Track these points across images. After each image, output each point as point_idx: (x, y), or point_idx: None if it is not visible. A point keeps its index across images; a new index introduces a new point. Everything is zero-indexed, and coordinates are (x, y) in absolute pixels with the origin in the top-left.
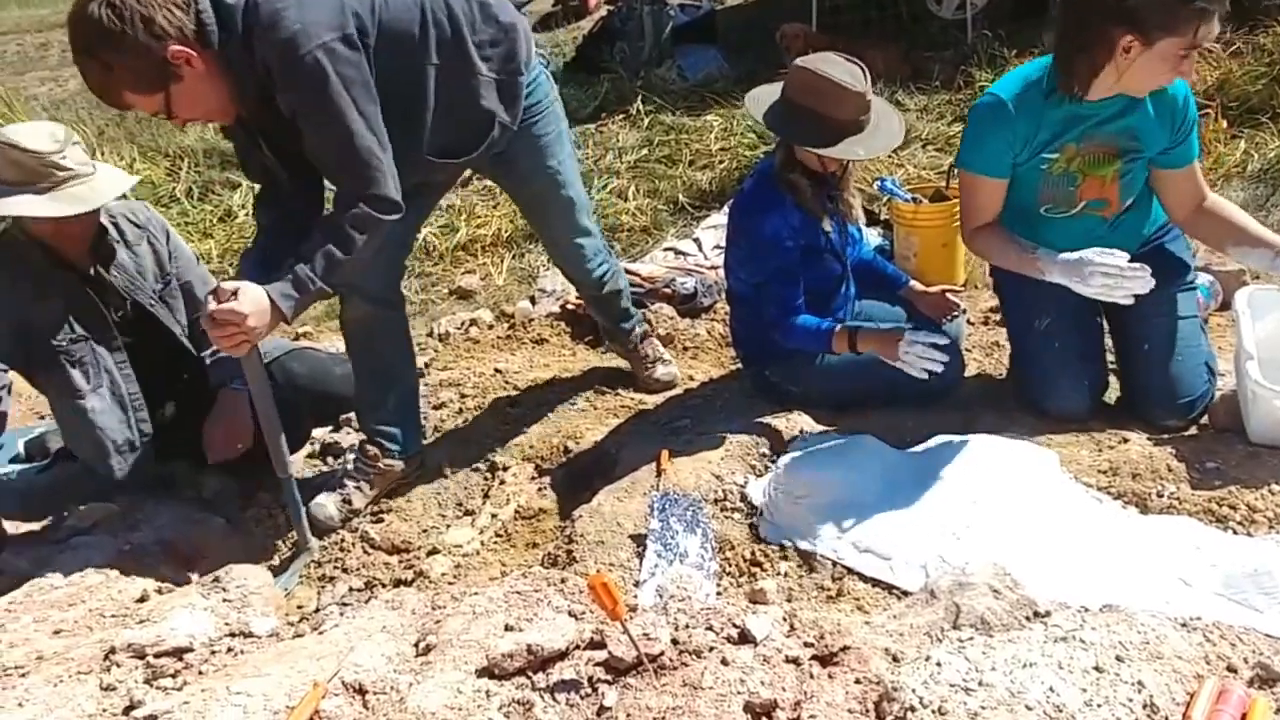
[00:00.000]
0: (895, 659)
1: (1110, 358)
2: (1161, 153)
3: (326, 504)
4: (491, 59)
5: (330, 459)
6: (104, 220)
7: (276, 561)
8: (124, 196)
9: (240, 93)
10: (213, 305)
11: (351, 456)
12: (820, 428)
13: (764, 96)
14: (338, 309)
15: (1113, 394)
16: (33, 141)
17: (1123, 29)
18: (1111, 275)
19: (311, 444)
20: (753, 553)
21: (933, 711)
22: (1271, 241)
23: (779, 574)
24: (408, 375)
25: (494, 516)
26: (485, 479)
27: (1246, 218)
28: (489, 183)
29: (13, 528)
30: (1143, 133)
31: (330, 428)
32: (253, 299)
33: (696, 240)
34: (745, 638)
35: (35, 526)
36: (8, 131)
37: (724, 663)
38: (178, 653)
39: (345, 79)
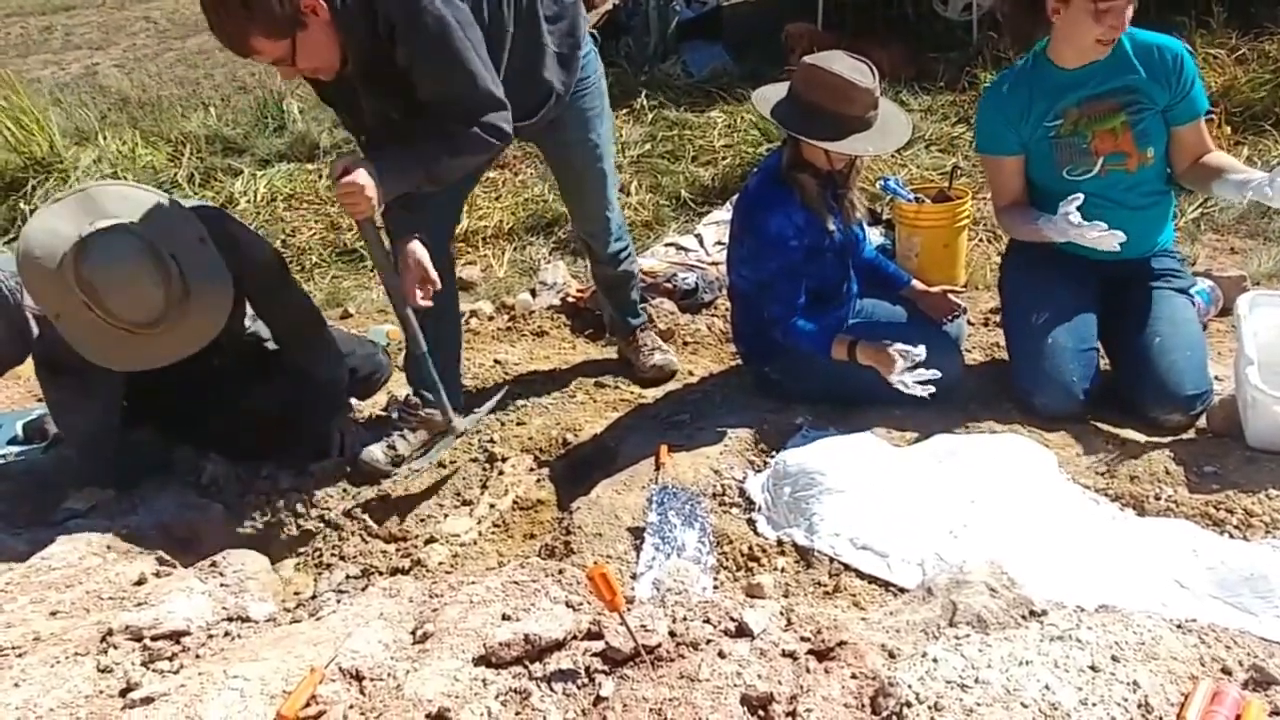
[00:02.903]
0: (891, 655)
1: (1104, 364)
2: (1166, 109)
3: (375, 450)
4: (555, 32)
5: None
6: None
7: (274, 549)
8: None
9: (355, 47)
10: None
11: (393, 411)
12: (819, 425)
13: (770, 95)
14: (336, 297)
15: (1112, 399)
16: (136, 315)
17: None
18: (1076, 224)
19: None
20: (750, 547)
21: (928, 707)
22: (1243, 171)
23: (776, 569)
24: (452, 333)
25: (492, 507)
26: (484, 469)
27: (1233, 162)
28: (490, 174)
29: (10, 509)
30: (1141, 86)
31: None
32: (364, 171)
33: (698, 236)
34: (742, 631)
35: (33, 508)
36: (107, 299)
37: (721, 655)
38: (175, 636)
39: (463, 25)
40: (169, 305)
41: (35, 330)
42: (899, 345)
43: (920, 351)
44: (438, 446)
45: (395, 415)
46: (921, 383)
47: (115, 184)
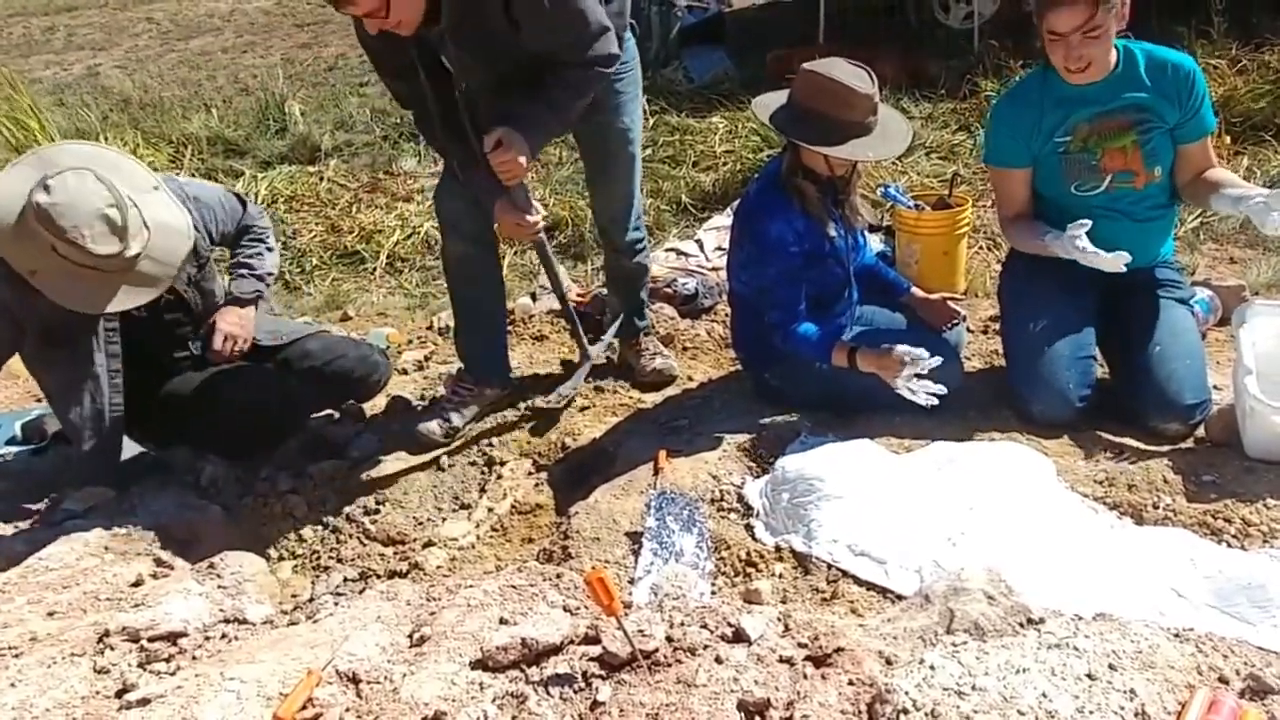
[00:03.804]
0: (889, 662)
1: (1103, 372)
2: (1175, 127)
3: (431, 424)
4: (608, 12)
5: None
6: None
7: (272, 551)
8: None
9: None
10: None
11: (446, 387)
12: (818, 431)
13: (770, 101)
14: (336, 299)
15: (1111, 408)
16: (100, 244)
17: (1036, 17)
18: (1082, 249)
19: (307, 432)
20: (748, 553)
21: (925, 714)
22: (1240, 186)
23: (774, 575)
24: (498, 307)
25: (490, 511)
26: (482, 473)
27: (1232, 178)
28: None
29: (8, 509)
30: (1151, 104)
31: (334, 414)
32: (516, 142)
33: (698, 241)
34: (739, 637)
35: (31, 508)
36: (64, 222)
37: (718, 661)
38: (172, 637)
39: None
40: (130, 233)
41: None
42: (901, 347)
43: (923, 353)
44: (579, 375)
45: (448, 390)
46: (928, 393)
47: (65, 143)
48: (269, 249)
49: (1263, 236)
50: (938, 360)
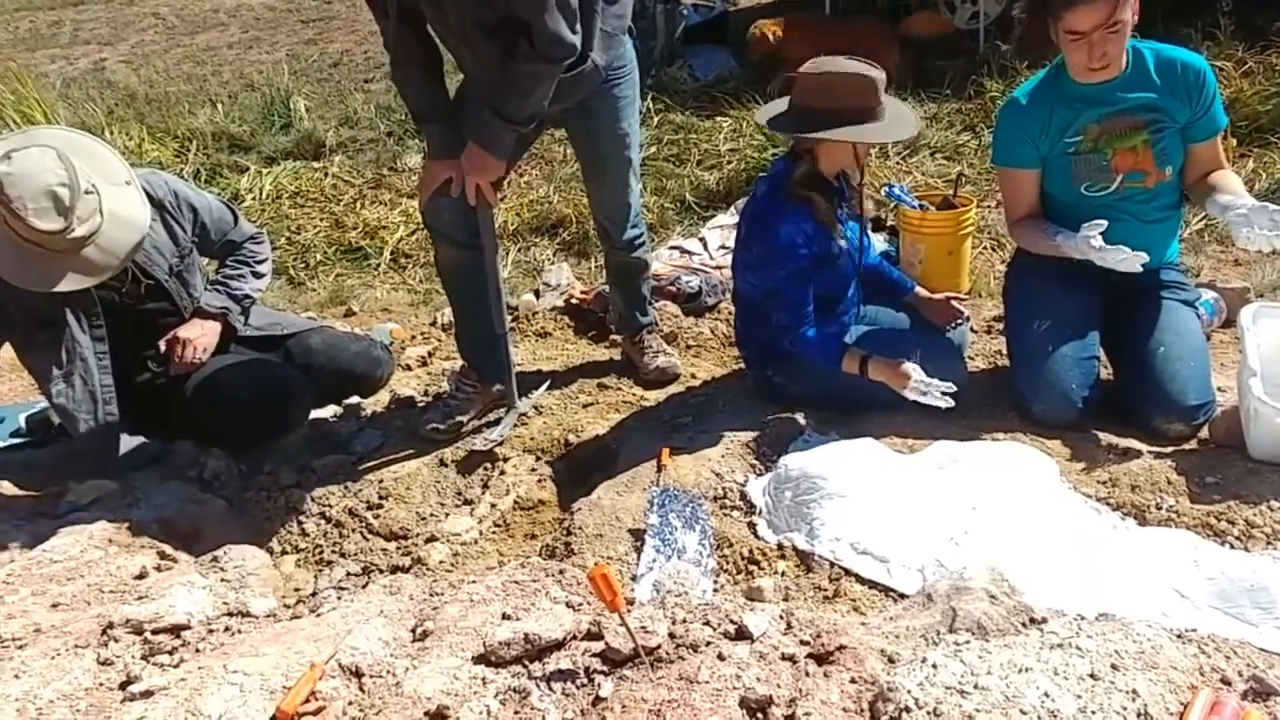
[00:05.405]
0: (891, 660)
1: (1107, 373)
2: (1185, 126)
3: (434, 421)
4: (607, 12)
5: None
6: None
7: (275, 545)
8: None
9: None
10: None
11: (450, 383)
12: (821, 430)
13: (773, 109)
14: (340, 295)
15: (1114, 409)
16: (41, 219)
17: (1051, 18)
18: (1098, 248)
19: (310, 427)
20: (751, 551)
21: (928, 713)
22: (1232, 194)
23: (776, 573)
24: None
25: (493, 506)
26: (485, 469)
27: (1230, 183)
28: None
29: (13, 502)
30: (1161, 103)
31: (334, 410)
32: (475, 156)
33: (702, 239)
34: (742, 634)
35: (35, 501)
36: (11, 192)
37: (720, 658)
38: (175, 630)
39: None
40: (77, 216)
41: None
42: (912, 366)
43: (936, 385)
44: (508, 421)
45: (452, 387)
46: (941, 393)
47: (55, 127)
48: (256, 275)
49: None
50: (948, 386)
